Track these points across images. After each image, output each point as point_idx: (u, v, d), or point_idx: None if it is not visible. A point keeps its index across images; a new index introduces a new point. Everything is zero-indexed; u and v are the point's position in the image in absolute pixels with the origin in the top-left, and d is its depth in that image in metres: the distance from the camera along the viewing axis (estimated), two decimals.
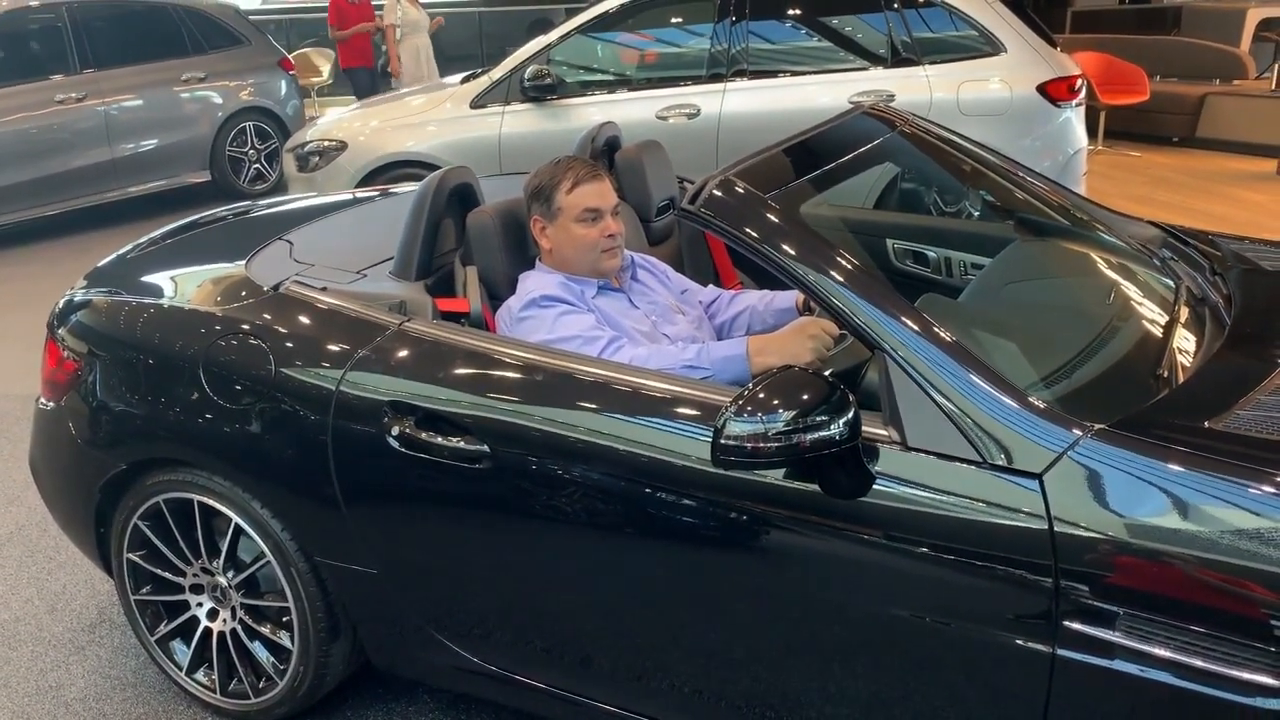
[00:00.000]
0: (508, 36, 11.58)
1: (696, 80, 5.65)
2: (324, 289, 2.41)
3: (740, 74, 5.56)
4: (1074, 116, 5.35)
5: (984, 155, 2.69)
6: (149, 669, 2.84)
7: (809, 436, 1.67)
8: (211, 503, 2.43)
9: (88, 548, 2.76)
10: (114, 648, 2.98)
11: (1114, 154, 9.24)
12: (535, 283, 2.42)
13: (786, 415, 1.67)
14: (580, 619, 2.13)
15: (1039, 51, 5.35)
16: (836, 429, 1.68)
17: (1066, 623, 1.63)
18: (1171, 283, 2.36)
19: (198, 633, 2.62)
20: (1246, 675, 1.53)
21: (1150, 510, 1.62)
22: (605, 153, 3.14)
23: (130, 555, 2.62)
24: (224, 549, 2.49)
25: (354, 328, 2.28)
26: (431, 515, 2.21)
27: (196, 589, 2.60)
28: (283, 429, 2.27)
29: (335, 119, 6.20)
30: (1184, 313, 2.20)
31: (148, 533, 2.57)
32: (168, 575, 2.61)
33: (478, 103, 5.73)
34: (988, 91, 5.29)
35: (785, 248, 1.89)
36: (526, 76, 5.58)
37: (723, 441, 1.70)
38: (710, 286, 2.85)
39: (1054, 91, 5.26)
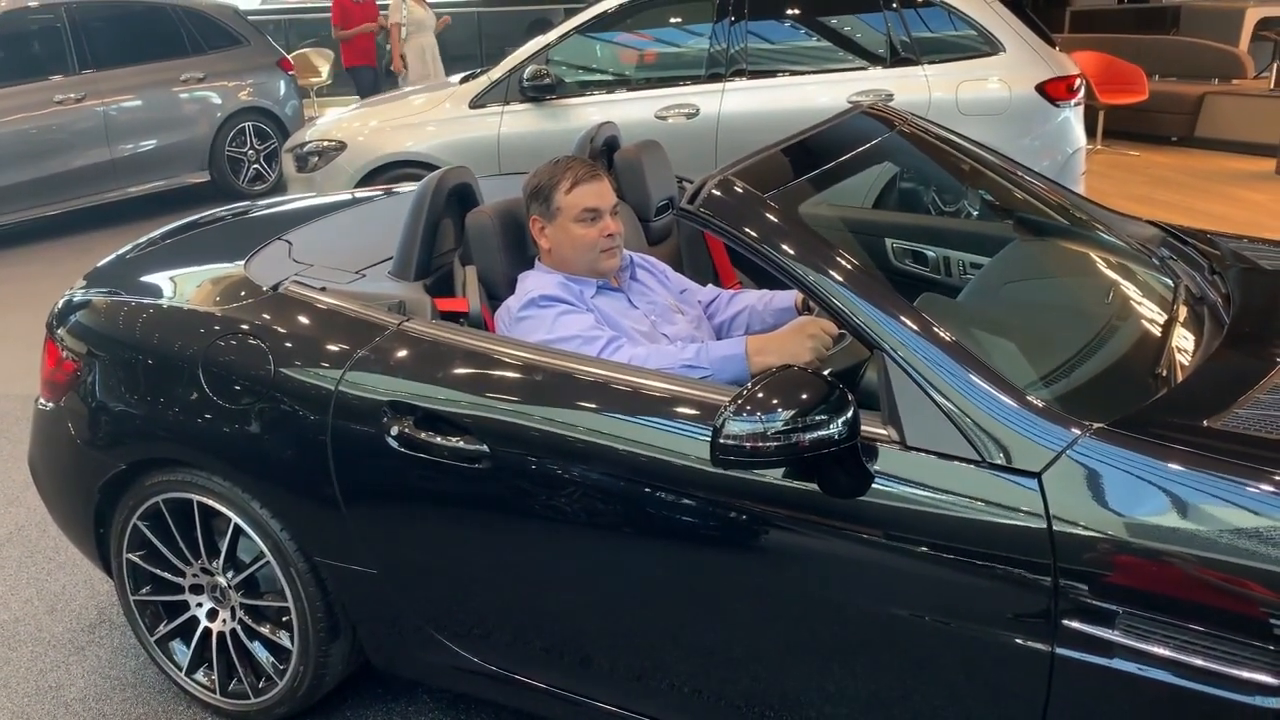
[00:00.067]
0: (507, 36, 11.58)
1: (695, 80, 5.65)
2: (323, 289, 2.41)
3: (739, 74, 5.56)
4: (1073, 116, 5.36)
5: (983, 155, 2.69)
6: (148, 669, 2.84)
7: (808, 436, 1.67)
8: (211, 503, 2.43)
9: (87, 548, 2.76)
10: (113, 648, 2.98)
11: (1113, 153, 9.24)
12: (534, 282, 2.42)
13: (785, 415, 1.67)
14: (580, 618, 2.13)
15: (1038, 51, 5.36)
16: (835, 428, 1.68)
17: (1066, 622, 1.64)
18: (1170, 282, 2.36)
19: (197, 633, 2.62)
20: (1246, 674, 1.53)
21: (1149, 509, 1.62)
22: (604, 152, 3.14)
23: (130, 555, 2.62)
24: (223, 549, 2.49)
25: (353, 328, 2.28)
26: (431, 515, 2.21)
27: (196, 589, 2.60)
28: (282, 429, 2.27)
29: (334, 119, 6.20)
30: (1183, 312, 2.20)
31: (147, 533, 2.57)
32: (167, 575, 2.61)
33: (477, 103, 5.73)
34: (986, 91, 5.29)
35: (784, 247, 1.89)
36: (525, 76, 5.58)
37: (722, 441, 1.70)
38: (709, 286, 2.85)
39: (1053, 91, 5.26)
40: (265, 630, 2.52)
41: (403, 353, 2.21)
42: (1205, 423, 1.78)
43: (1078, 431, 1.69)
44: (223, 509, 2.42)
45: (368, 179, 5.72)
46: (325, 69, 12.67)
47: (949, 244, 2.91)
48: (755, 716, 1.99)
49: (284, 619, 2.46)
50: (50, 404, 2.70)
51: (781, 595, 1.88)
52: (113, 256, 3.03)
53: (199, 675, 2.66)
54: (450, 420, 2.10)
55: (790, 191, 2.08)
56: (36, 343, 2.90)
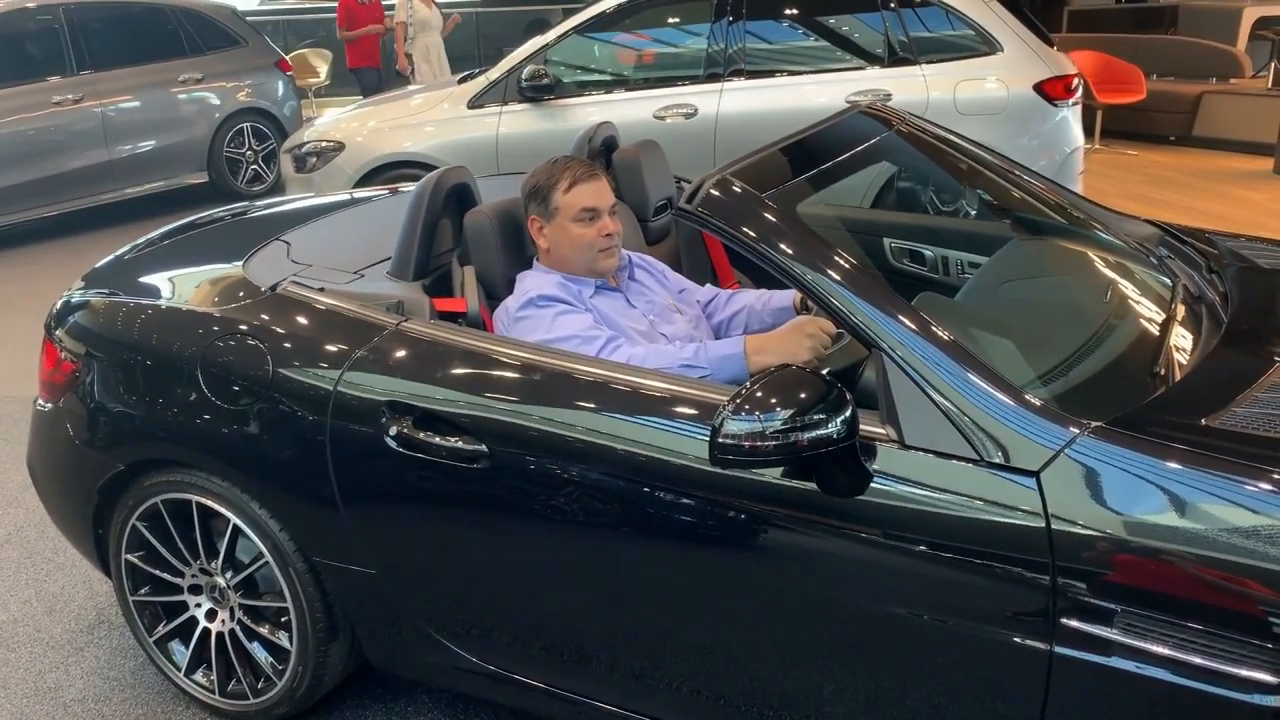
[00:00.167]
0: (505, 37, 11.59)
1: (694, 80, 5.65)
2: (321, 289, 2.41)
3: (737, 74, 5.56)
4: (1071, 115, 5.36)
5: (981, 154, 2.69)
6: (147, 670, 2.84)
7: (806, 435, 1.67)
8: (210, 503, 2.43)
9: (86, 549, 2.76)
10: (112, 649, 2.97)
11: (1111, 153, 9.25)
12: (533, 282, 2.42)
13: (784, 414, 1.67)
14: (579, 618, 2.13)
15: (1036, 51, 5.36)
16: (834, 427, 1.68)
17: (1064, 620, 1.64)
18: (1168, 281, 2.36)
19: (196, 633, 2.62)
20: (1244, 672, 1.53)
21: (1147, 508, 1.62)
22: (602, 152, 3.14)
23: (128, 556, 2.62)
24: (222, 550, 2.49)
25: (351, 328, 2.28)
26: (429, 515, 2.21)
27: (195, 590, 2.60)
28: (280, 429, 2.27)
29: (333, 120, 6.20)
30: (1181, 311, 2.21)
31: (146, 534, 2.57)
32: (166, 576, 2.61)
33: (475, 103, 5.73)
34: (984, 91, 5.29)
35: (782, 247, 1.89)
36: (524, 77, 5.58)
37: (720, 440, 1.70)
38: (708, 286, 2.85)
39: (1051, 90, 5.26)
40: (264, 631, 2.52)
41: (401, 353, 2.21)
42: (1203, 421, 1.79)
43: (1076, 430, 1.69)
44: (221, 509, 2.42)
45: (366, 179, 5.72)
46: (323, 69, 12.67)
47: (947, 243, 2.91)
48: (754, 715, 1.99)
49: (283, 619, 2.46)
50: (49, 405, 2.70)
51: (780, 594, 1.88)
52: (111, 257, 3.03)
53: (198, 676, 2.65)
54: (449, 420, 2.11)
55: (788, 191, 2.08)
56: (35, 344, 2.90)
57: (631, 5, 5.72)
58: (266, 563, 2.40)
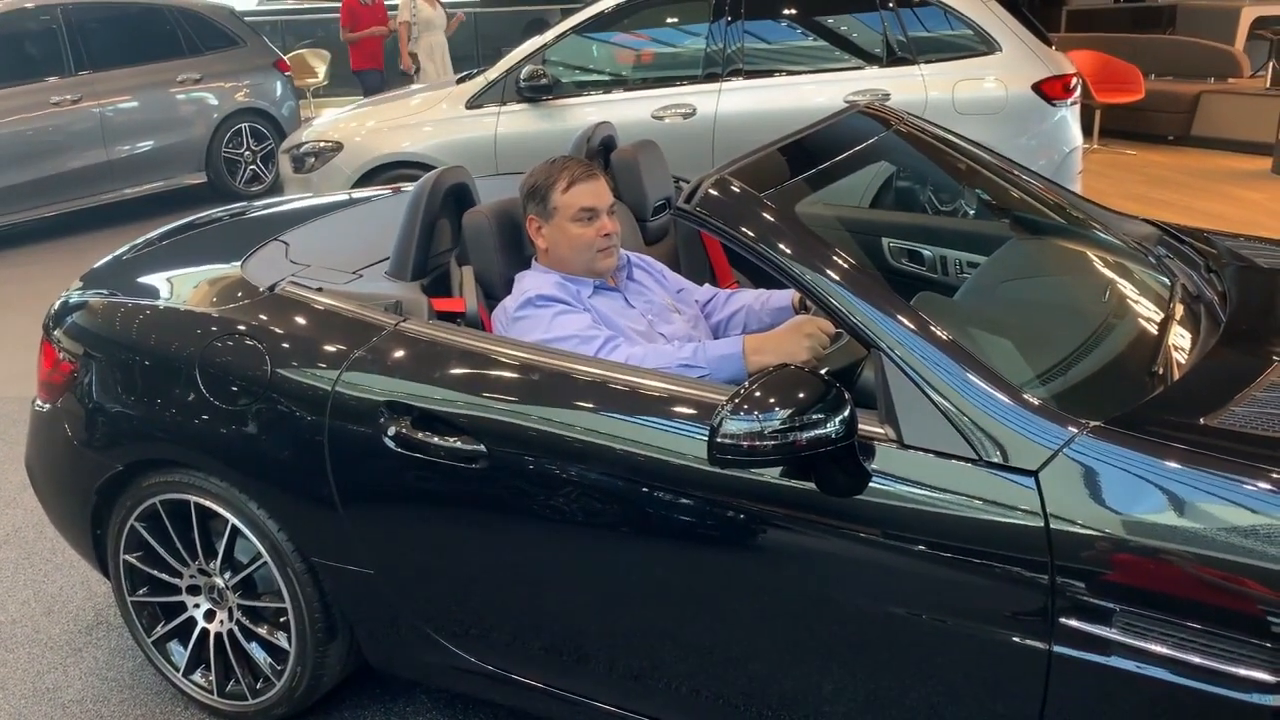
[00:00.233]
0: (504, 37, 11.59)
1: (692, 80, 5.65)
2: (320, 289, 2.41)
3: (736, 74, 5.56)
4: (1069, 115, 5.36)
5: (979, 154, 2.69)
6: (146, 670, 2.84)
7: (805, 435, 1.67)
8: (208, 504, 2.43)
9: (84, 549, 2.76)
10: (111, 649, 2.97)
11: (1109, 152, 9.25)
12: (531, 282, 2.42)
13: (783, 414, 1.67)
14: (577, 618, 2.13)
15: (1034, 50, 5.36)
16: (832, 427, 1.68)
17: (1063, 620, 1.64)
18: (1167, 280, 2.36)
19: (195, 634, 2.62)
20: (1243, 671, 1.53)
21: (1146, 507, 1.62)
22: (601, 152, 3.14)
23: (127, 557, 2.62)
24: (221, 550, 2.48)
25: (350, 328, 2.28)
26: (428, 515, 2.21)
27: (193, 590, 2.60)
28: (279, 430, 2.27)
29: (331, 120, 6.20)
30: (1179, 310, 2.21)
31: (144, 534, 2.57)
32: (164, 576, 2.61)
33: (473, 103, 5.73)
34: (983, 90, 5.29)
35: (781, 246, 1.89)
36: (522, 77, 5.58)
37: (719, 440, 1.70)
38: (706, 286, 2.85)
39: (1049, 90, 5.26)
40: (263, 631, 2.52)
41: (400, 353, 2.20)
42: (1202, 420, 1.79)
43: (1074, 430, 1.69)
44: (220, 510, 2.41)
45: (365, 179, 5.72)
46: (322, 70, 12.67)
47: (946, 243, 2.91)
48: (753, 715, 1.99)
49: (281, 620, 2.46)
50: (47, 405, 2.70)
51: (779, 594, 1.88)
52: (109, 258, 3.03)
53: (196, 676, 2.65)
54: (447, 420, 2.10)
55: (787, 191, 2.08)
56: (33, 344, 2.90)
57: (630, 5, 5.72)
58: (265, 563, 2.40)
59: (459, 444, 2.08)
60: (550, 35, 5.80)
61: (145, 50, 8.38)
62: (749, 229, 1.91)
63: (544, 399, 2.05)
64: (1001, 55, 5.31)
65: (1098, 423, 1.71)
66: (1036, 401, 1.75)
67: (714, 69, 5.60)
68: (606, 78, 6.17)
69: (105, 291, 2.72)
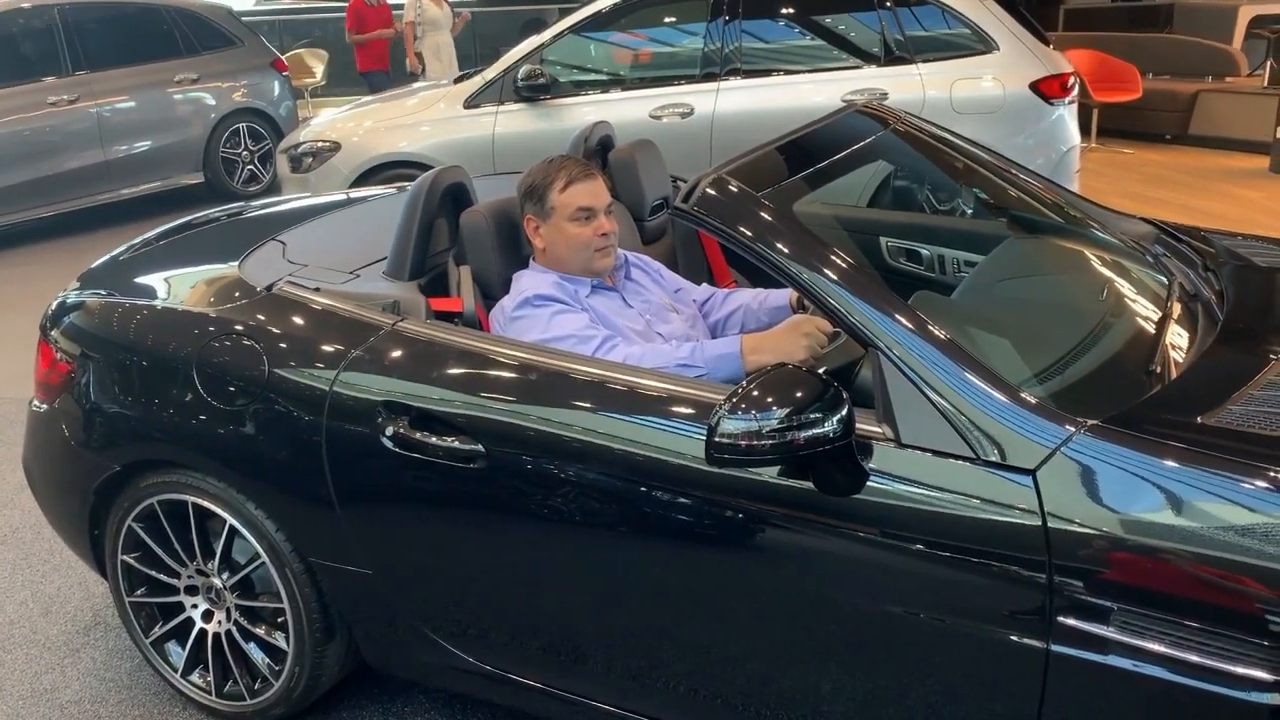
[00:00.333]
0: (501, 36, 11.59)
1: (690, 79, 5.65)
2: (317, 289, 2.41)
3: (734, 73, 5.56)
4: (1067, 114, 5.36)
5: (977, 153, 2.70)
6: (144, 671, 2.83)
7: (803, 434, 1.67)
8: (206, 504, 2.43)
9: (82, 550, 2.76)
10: (109, 650, 2.97)
11: (1107, 151, 9.25)
12: (529, 282, 2.41)
13: (780, 413, 1.67)
14: (576, 618, 2.13)
15: (1032, 49, 5.36)
16: (830, 426, 1.68)
17: (1061, 618, 1.64)
18: (1164, 279, 2.36)
19: (193, 634, 2.62)
20: (1241, 670, 1.53)
21: (1144, 506, 1.62)
22: (599, 152, 3.14)
23: (125, 557, 2.62)
24: (218, 550, 2.48)
25: (347, 328, 2.28)
26: (426, 515, 2.21)
27: (191, 591, 2.60)
28: (276, 430, 2.27)
29: (329, 120, 6.20)
30: (1177, 309, 2.21)
31: (142, 535, 2.56)
32: (162, 577, 2.61)
33: (471, 103, 5.73)
34: (981, 89, 5.29)
35: (779, 246, 1.89)
36: (520, 76, 5.58)
37: (717, 439, 1.70)
38: (704, 285, 2.85)
39: (1047, 89, 5.27)
40: (261, 631, 2.52)
41: (397, 353, 2.20)
42: (1200, 419, 1.79)
43: (1072, 428, 1.69)
44: (218, 510, 2.41)
45: (362, 179, 5.71)
46: (320, 70, 12.66)
47: (943, 242, 2.91)
48: (752, 715, 1.99)
49: (279, 620, 2.45)
50: (44, 406, 2.69)
51: (777, 593, 1.88)
52: (107, 258, 3.02)
53: (194, 677, 2.65)
54: (445, 420, 2.10)
55: (785, 190, 2.08)
56: (31, 344, 2.89)
57: (627, 5, 5.72)
58: (263, 563, 2.40)
59: (457, 444, 2.08)
60: (548, 35, 5.80)
61: (142, 50, 8.38)
62: (747, 228, 1.91)
63: (542, 399, 2.05)
64: (999, 54, 5.31)
65: (1095, 421, 1.71)
66: (1034, 400, 1.75)
67: (712, 68, 5.59)
68: (604, 77, 6.17)
69: (102, 292, 2.72)
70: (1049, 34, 5.88)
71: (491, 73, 5.77)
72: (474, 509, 2.13)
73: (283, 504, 2.33)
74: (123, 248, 3.08)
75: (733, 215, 1.93)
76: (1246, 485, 1.60)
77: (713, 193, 1.95)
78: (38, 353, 2.75)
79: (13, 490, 3.90)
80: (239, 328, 2.36)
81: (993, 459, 1.70)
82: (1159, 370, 1.98)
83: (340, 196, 3.59)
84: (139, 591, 2.66)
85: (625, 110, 5.47)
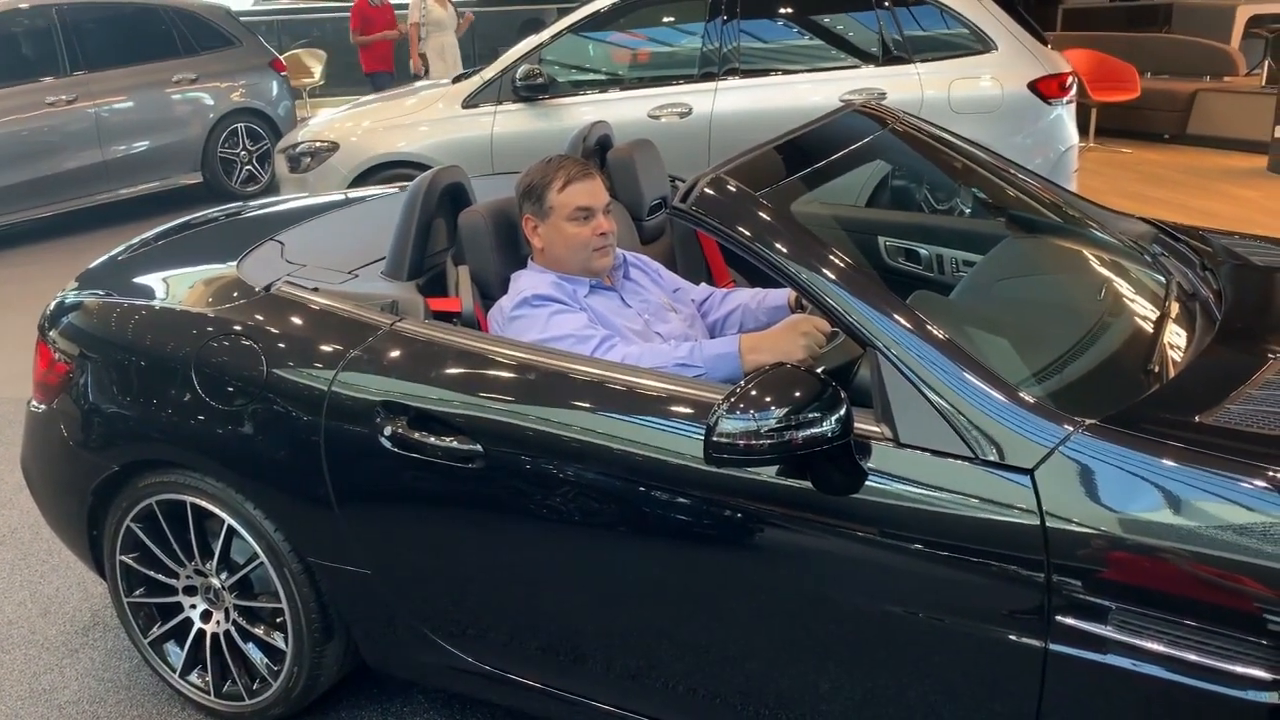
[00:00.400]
0: (499, 36, 11.58)
1: (688, 79, 5.65)
2: (315, 289, 2.41)
3: (732, 73, 5.56)
4: (1065, 114, 5.37)
5: (975, 153, 2.70)
6: (142, 671, 2.83)
7: (801, 433, 1.67)
8: (204, 504, 2.43)
9: (80, 550, 2.76)
10: (107, 650, 2.97)
11: (1105, 151, 9.26)
12: (527, 282, 2.41)
13: (779, 412, 1.67)
14: (574, 618, 2.13)
15: (1030, 49, 5.36)
16: (829, 426, 1.68)
17: (1059, 618, 1.64)
18: (1162, 278, 2.36)
19: (191, 634, 2.62)
20: (1239, 669, 1.53)
21: (1142, 505, 1.62)
22: (597, 152, 3.14)
23: (123, 557, 2.61)
24: (217, 550, 2.48)
25: (346, 328, 2.28)
26: (425, 515, 2.21)
27: (190, 591, 2.60)
28: (275, 430, 2.27)
29: (327, 120, 6.20)
30: (1175, 308, 2.21)
31: (140, 535, 2.56)
32: (161, 577, 2.61)
33: (469, 103, 5.73)
34: (979, 89, 5.29)
35: (777, 245, 1.89)
36: (518, 76, 5.58)
37: (715, 439, 1.70)
38: (702, 285, 2.85)
39: (1045, 89, 5.27)
40: (259, 631, 2.51)
41: (396, 353, 2.20)
42: (1198, 418, 1.79)
43: (1070, 428, 1.70)
44: (216, 510, 2.41)
45: (361, 179, 5.71)
46: (318, 70, 12.66)
47: (942, 242, 2.91)
48: (750, 714, 1.99)
49: (278, 620, 2.45)
50: (42, 406, 2.69)
51: (776, 593, 1.88)
52: (105, 258, 3.02)
53: (193, 677, 2.65)
54: (444, 420, 2.10)
55: (783, 190, 2.08)
56: (29, 345, 2.89)
57: (626, 4, 5.72)
58: (261, 563, 2.39)
59: (455, 444, 2.08)
60: (546, 34, 5.80)
61: (140, 50, 8.37)
62: (745, 228, 1.91)
63: (540, 399, 2.05)
64: (997, 54, 5.31)
65: (1093, 421, 1.71)
66: (1032, 400, 1.75)
67: (710, 68, 5.59)
68: (602, 77, 6.17)
69: (101, 292, 2.72)
70: (1047, 33, 5.88)
71: (490, 72, 5.77)
72: (473, 509, 2.13)
73: (281, 504, 2.33)
74: (121, 248, 3.08)
75: (731, 215, 1.93)
76: (1244, 484, 1.60)
77: (711, 192, 1.95)
78: (36, 353, 2.75)
79: (11, 491, 3.90)
80: (237, 328, 2.36)
81: (991, 458, 1.70)
82: (1157, 369, 1.98)
83: (339, 196, 3.59)
84: (137, 592, 2.66)
85: (623, 110, 5.47)
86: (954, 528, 1.70)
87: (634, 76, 6.07)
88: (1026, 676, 1.68)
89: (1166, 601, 1.59)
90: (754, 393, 1.70)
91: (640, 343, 2.33)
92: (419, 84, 7.40)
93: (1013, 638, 1.68)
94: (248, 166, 8.93)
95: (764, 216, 1.93)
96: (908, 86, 5.30)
